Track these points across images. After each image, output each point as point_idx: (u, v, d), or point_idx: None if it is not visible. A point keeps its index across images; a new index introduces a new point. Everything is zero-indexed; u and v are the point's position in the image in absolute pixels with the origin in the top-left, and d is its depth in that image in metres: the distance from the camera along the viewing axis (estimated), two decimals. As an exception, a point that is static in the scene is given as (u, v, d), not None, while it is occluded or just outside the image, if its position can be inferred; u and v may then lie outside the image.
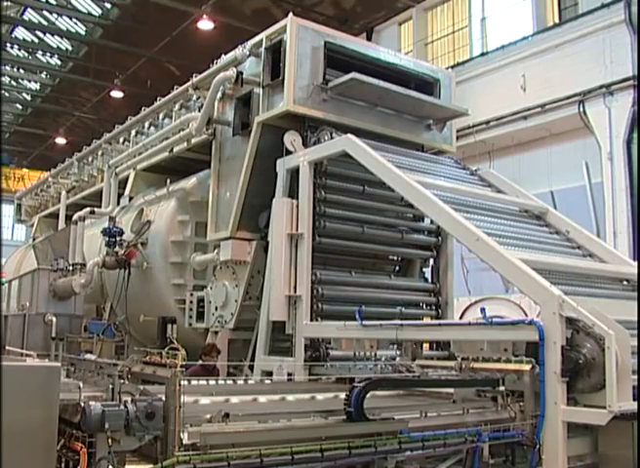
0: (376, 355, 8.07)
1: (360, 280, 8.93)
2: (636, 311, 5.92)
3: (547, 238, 8.15)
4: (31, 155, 38.01)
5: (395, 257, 10.04)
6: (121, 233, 11.06)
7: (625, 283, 7.54)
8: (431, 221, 9.02)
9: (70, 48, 27.64)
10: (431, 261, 9.85)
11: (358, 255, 9.24)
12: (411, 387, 6.18)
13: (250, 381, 7.71)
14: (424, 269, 10.11)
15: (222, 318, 9.37)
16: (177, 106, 11.16)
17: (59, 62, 29.04)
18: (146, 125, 12.44)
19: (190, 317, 9.93)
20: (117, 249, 10.92)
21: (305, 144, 8.65)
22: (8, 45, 27.80)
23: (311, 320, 8.00)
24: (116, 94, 27.78)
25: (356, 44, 9.62)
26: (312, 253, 8.23)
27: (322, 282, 8.28)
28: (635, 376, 5.26)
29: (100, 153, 14.52)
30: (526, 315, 10.91)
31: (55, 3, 24.11)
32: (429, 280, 9.81)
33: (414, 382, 6.17)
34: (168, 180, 11.17)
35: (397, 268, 10.11)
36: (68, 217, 13.60)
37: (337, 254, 8.86)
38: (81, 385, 4.27)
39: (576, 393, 5.39)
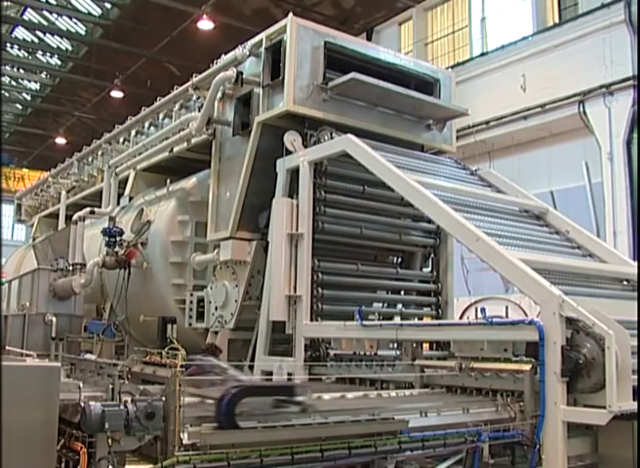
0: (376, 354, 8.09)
1: (360, 280, 8.93)
2: (636, 311, 5.92)
3: (547, 238, 8.15)
4: (31, 155, 38.01)
5: (395, 255, 10.04)
6: (121, 233, 11.04)
7: (625, 283, 7.54)
8: (430, 221, 9.02)
9: (70, 48, 27.64)
10: (431, 259, 9.84)
11: (358, 253, 9.22)
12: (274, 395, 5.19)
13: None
14: (424, 269, 10.10)
15: (222, 318, 9.37)
16: (177, 106, 11.15)
17: (59, 62, 29.04)
18: (146, 125, 12.43)
19: (190, 317, 9.93)
20: (117, 249, 10.90)
21: (305, 144, 8.65)
22: (8, 45, 27.80)
23: (311, 320, 8.00)
24: (116, 94, 27.78)
25: (356, 44, 9.61)
26: (312, 249, 8.22)
27: (323, 280, 8.27)
28: (635, 376, 5.26)
29: (100, 153, 14.50)
30: (526, 315, 10.91)
31: (55, 3, 24.10)
32: (430, 275, 9.79)
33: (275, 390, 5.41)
34: (168, 180, 11.16)
35: (398, 264, 10.10)
36: (68, 217, 13.60)
37: (337, 251, 8.85)
38: (81, 385, 4.27)
39: (576, 393, 5.39)
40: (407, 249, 9.83)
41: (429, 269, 9.90)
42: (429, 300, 9.55)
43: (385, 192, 8.66)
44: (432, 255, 9.79)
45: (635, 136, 13.82)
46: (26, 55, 28.79)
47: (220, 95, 9.78)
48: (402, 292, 9.80)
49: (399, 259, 10.14)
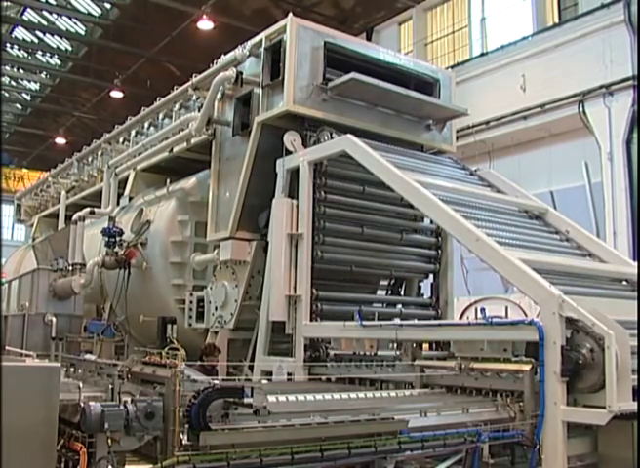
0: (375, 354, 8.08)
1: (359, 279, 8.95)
2: (636, 311, 5.92)
3: (547, 238, 8.15)
4: (31, 155, 37.99)
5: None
6: (121, 233, 11.05)
7: (625, 283, 7.53)
8: (431, 221, 9.02)
9: (70, 48, 27.62)
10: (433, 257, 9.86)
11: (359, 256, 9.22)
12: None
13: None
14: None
15: (222, 318, 9.37)
16: (176, 106, 11.16)
17: (58, 62, 29.02)
18: (146, 125, 12.43)
19: (190, 317, 9.93)
20: (117, 249, 10.92)
21: (305, 144, 8.65)
22: (8, 45, 27.77)
23: (311, 319, 8.00)
24: (116, 94, 27.75)
25: (356, 44, 9.62)
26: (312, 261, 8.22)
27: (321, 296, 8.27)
28: (635, 376, 5.26)
29: (99, 153, 14.51)
30: (526, 315, 10.90)
31: (54, 3, 24.08)
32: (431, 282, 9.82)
33: None
34: (168, 180, 11.17)
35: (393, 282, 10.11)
36: (68, 217, 13.60)
37: (337, 254, 8.84)
38: (81, 385, 4.28)
39: (575, 393, 5.39)
40: (408, 250, 9.81)
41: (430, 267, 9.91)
42: (428, 301, 9.58)
43: (385, 192, 8.67)
44: (434, 254, 9.81)
45: (635, 136, 13.81)
46: (26, 55, 28.77)
47: (219, 95, 9.78)
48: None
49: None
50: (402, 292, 10.01)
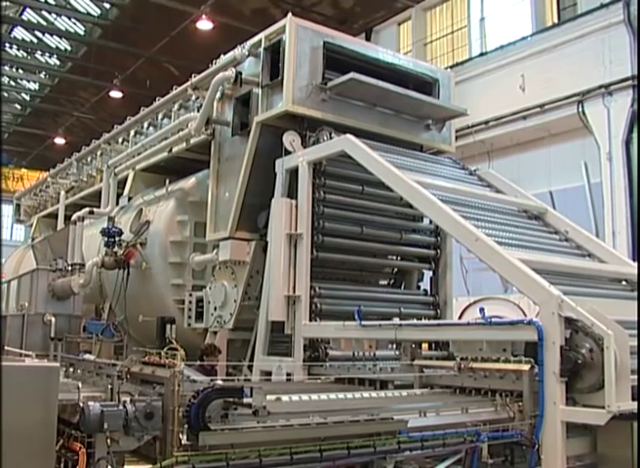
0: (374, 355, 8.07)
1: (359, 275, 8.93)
2: (636, 311, 5.92)
3: (546, 238, 8.15)
4: (30, 155, 37.99)
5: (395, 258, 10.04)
6: (120, 233, 11.05)
7: (625, 283, 7.54)
8: (430, 221, 9.02)
9: (69, 48, 27.63)
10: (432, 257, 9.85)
11: (358, 256, 9.23)
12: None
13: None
14: (424, 270, 10.08)
15: (221, 318, 9.37)
16: (176, 106, 11.15)
17: (57, 62, 29.03)
18: (145, 125, 12.42)
19: (189, 317, 9.93)
20: (116, 249, 10.91)
21: (304, 144, 8.65)
22: (7, 45, 27.77)
23: (310, 319, 8.00)
24: (115, 94, 27.77)
25: (355, 44, 9.61)
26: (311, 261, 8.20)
27: (321, 295, 8.26)
28: (634, 376, 5.26)
29: (99, 153, 14.50)
30: (525, 315, 10.91)
31: (54, 3, 24.10)
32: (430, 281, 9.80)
33: None
34: (167, 180, 11.17)
35: (395, 272, 10.09)
36: (67, 218, 13.61)
37: (336, 253, 8.84)
38: (80, 385, 4.28)
39: (574, 393, 5.39)
40: (407, 247, 9.81)
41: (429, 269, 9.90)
42: (427, 300, 9.56)
43: (385, 192, 8.67)
44: (433, 256, 9.79)
45: (634, 136, 13.83)
46: (25, 55, 28.77)
47: (219, 95, 9.78)
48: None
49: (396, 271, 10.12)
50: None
